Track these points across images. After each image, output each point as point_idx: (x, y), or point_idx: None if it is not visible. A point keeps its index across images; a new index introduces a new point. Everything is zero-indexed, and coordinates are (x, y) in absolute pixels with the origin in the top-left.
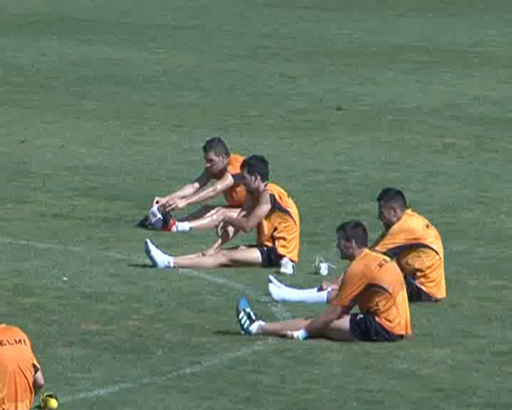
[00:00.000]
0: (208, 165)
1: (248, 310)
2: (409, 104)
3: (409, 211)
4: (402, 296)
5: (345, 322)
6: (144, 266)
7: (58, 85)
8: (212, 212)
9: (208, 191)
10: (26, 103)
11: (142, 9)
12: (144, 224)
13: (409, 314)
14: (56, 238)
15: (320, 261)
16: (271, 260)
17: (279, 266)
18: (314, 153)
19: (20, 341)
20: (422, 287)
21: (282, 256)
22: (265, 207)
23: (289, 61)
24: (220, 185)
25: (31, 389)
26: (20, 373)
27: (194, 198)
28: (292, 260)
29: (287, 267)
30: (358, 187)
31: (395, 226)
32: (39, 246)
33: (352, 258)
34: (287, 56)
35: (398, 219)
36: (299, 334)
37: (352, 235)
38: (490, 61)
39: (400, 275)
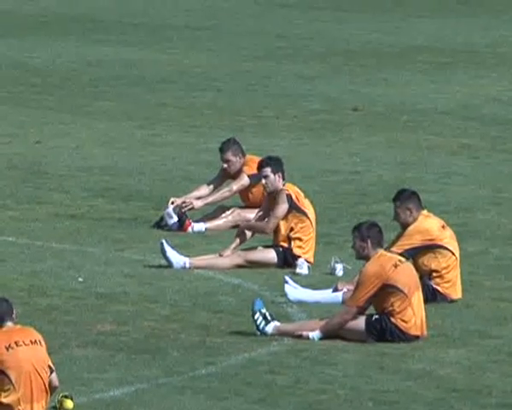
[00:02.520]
0: (225, 165)
1: (264, 311)
2: (424, 105)
3: (425, 212)
4: (417, 297)
5: (360, 323)
6: (159, 266)
7: (73, 86)
8: (228, 213)
9: (224, 192)
10: (42, 104)
11: (157, 10)
12: (160, 225)
13: (424, 315)
14: (72, 239)
15: (335, 262)
16: (287, 260)
17: (294, 266)
18: (329, 153)
19: (35, 341)
20: (438, 288)
21: (297, 257)
22: (283, 207)
23: (305, 61)
24: (236, 186)
25: (46, 390)
26: (36, 374)
27: (210, 199)
28: (307, 261)
29: (302, 268)
30: (374, 188)
31: (411, 227)
32: (55, 247)
33: (367, 258)
34: (302, 57)
35: (414, 219)
36: (315, 335)
37: (367, 235)
38: (505, 61)
39: (416, 276)
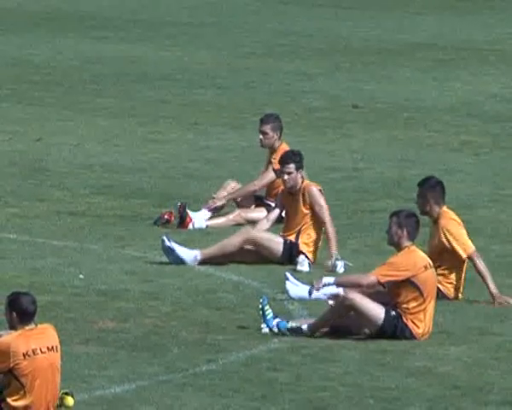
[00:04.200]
0: (261, 137)
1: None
2: (425, 102)
3: (444, 207)
4: (431, 306)
5: (380, 315)
6: (160, 263)
7: (74, 83)
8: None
9: (249, 186)
10: (43, 101)
11: (158, 7)
12: (163, 222)
13: (431, 325)
14: (72, 236)
15: (336, 259)
16: (291, 255)
17: (295, 263)
18: (330, 151)
19: (52, 348)
20: (439, 286)
21: (301, 253)
22: (325, 206)
23: (306, 59)
24: (265, 180)
25: (57, 394)
26: (49, 381)
27: (236, 194)
28: (308, 258)
29: (303, 265)
30: (374, 185)
31: (456, 227)
32: (55, 244)
33: (398, 247)
34: (303, 54)
35: (432, 210)
36: (328, 280)
37: (405, 224)
38: (506, 58)
39: (436, 284)
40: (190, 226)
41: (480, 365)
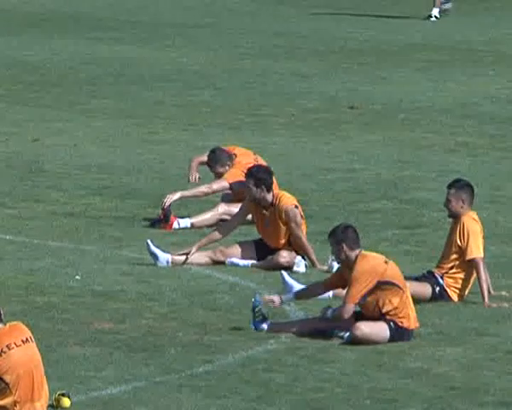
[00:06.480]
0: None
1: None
2: (421, 103)
3: (474, 214)
4: (407, 292)
5: (385, 332)
6: (157, 264)
7: (71, 84)
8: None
9: (203, 188)
10: (39, 102)
11: (154, 8)
12: (154, 223)
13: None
14: (69, 237)
15: (332, 260)
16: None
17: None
18: (326, 152)
19: (27, 339)
20: (448, 289)
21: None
22: (302, 226)
23: (302, 59)
24: (216, 185)
25: (44, 386)
26: (34, 372)
27: (188, 193)
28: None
29: (299, 266)
30: (371, 186)
31: (476, 228)
32: (52, 245)
33: (349, 261)
34: (299, 55)
35: (464, 212)
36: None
37: (343, 238)
38: (502, 59)
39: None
40: (175, 225)
41: (476, 366)
